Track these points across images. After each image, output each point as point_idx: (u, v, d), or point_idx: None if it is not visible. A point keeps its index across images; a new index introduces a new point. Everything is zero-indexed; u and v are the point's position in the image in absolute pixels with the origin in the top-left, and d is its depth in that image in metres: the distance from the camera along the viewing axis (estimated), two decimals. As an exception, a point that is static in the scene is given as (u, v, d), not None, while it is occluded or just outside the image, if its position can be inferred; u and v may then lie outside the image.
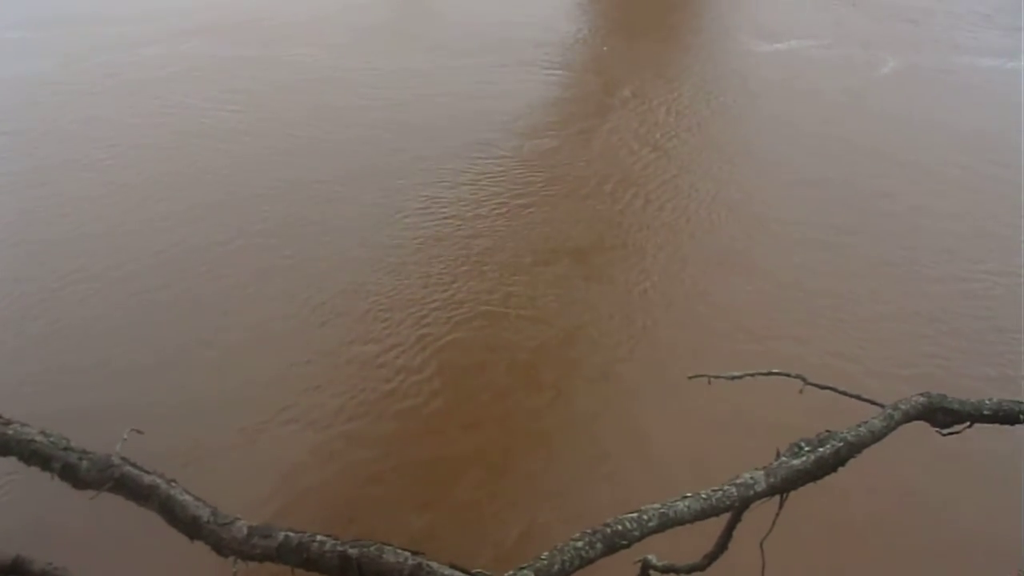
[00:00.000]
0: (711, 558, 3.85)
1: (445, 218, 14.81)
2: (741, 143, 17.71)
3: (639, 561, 3.78)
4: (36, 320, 12.46)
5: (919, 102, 19.37)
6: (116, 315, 12.54)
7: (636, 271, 13.36)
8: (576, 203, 15.20)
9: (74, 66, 21.73)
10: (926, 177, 15.92)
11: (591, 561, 2.67)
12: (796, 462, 3.16)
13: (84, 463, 2.86)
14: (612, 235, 14.39)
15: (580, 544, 2.67)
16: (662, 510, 2.82)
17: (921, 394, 3.60)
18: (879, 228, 14.39)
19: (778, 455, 3.22)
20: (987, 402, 3.68)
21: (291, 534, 2.76)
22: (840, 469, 3.45)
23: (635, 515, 2.78)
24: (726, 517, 3.43)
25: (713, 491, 2.97)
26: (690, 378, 4.10)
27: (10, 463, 2.93)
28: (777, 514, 3.44)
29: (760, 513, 3.30)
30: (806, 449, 3.21)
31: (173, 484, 2.87)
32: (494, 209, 15.02)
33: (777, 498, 3.23)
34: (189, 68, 21.54)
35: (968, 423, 3.76)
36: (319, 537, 2.74)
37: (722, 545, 3.78)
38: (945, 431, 3.78)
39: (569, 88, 20.73)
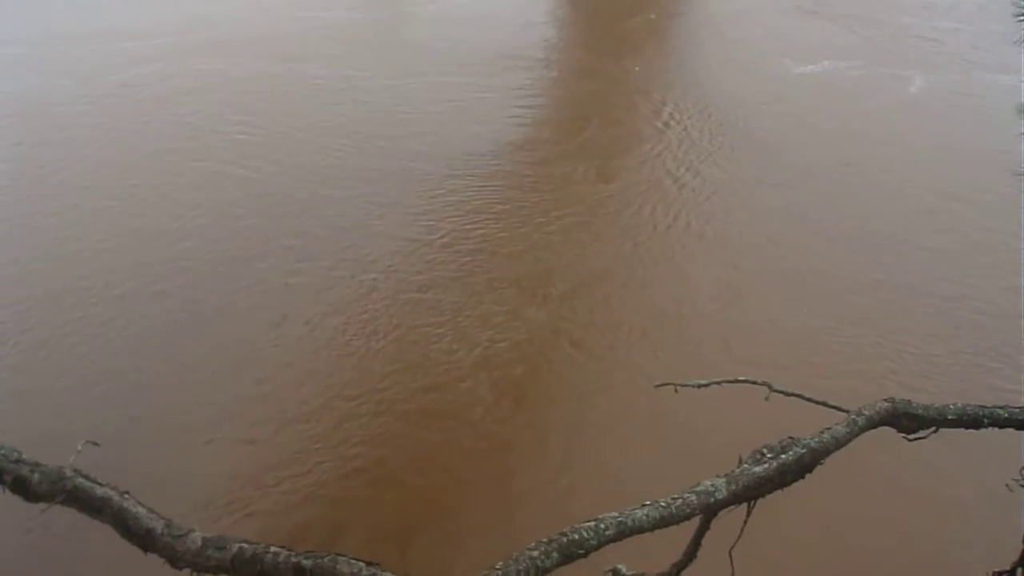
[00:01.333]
0: (679, 567, 3.83)
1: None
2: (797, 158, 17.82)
3: (609, 571, 3.76)
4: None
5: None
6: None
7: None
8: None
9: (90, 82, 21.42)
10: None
11: (548, 571, 2.64)
12: (758, 469, 3.15)
13: (36, 475, 2.82)
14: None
15: (536, 553, 2.64)
16: (620, 519, 2.79)
17: (885, 400, 3.60)
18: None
19: (740, 462, 3.21)
20: (951, 407, 3.68)
21: (245, 546, 2.73)
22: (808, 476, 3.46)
23: (592, 524, 2.75)
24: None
25: (673, 499, 2.94)
26: (657, 386, 4.09)
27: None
28: (745, 522, 3.42)
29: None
30: (768, 456, 3.20)
31: (126, 496, 2.84)
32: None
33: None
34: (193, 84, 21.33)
35: (933, 428, 3.76)
36: (273, 548, 2.71)
37: (691, 554, 3.75)
38: (911, 436, 3.78)
39: (624, 110, 20.69)
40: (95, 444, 3.11)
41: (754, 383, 3.81)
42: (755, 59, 23.62)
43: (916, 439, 3.80)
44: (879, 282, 13.70)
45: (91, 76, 21.50)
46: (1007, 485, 4.13)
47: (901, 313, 13.04)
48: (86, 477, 2.86)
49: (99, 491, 2.83)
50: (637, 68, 23.32)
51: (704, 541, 3.53)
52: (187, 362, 11.94)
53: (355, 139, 18.40)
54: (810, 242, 14.86)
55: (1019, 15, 5.02)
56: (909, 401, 3.61)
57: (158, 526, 2.78)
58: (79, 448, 3.03)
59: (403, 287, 13.54)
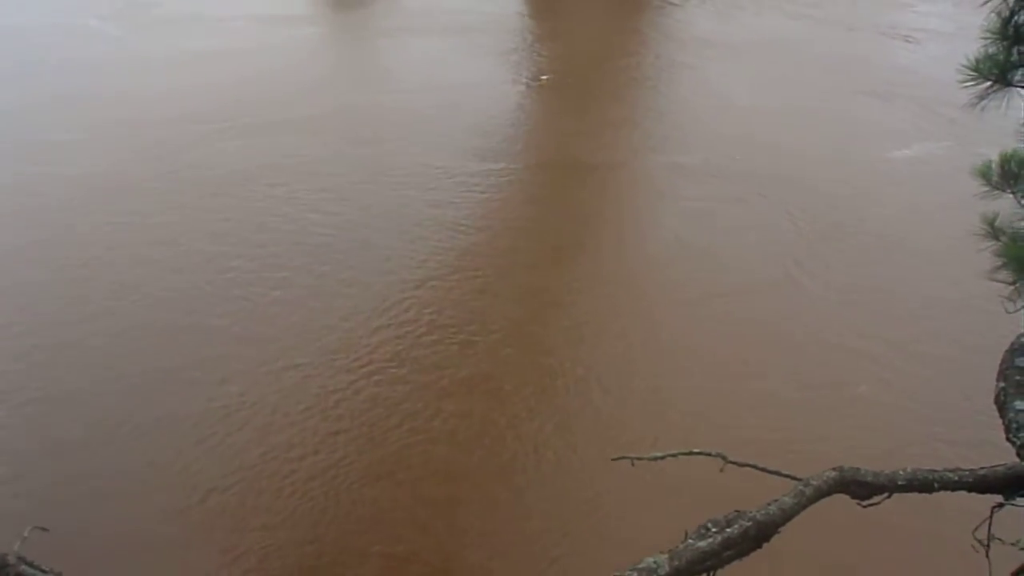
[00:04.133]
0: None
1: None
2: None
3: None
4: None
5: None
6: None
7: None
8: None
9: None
10: None
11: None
12: (703, 544, 3.16)
13: (-22, 565, 2.84)
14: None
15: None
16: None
17: (833, 469, 3.62)
18: None
19: (686, 536, 3.22)
20: (901, 472, 3.71)
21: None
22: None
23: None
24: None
25: (614, 576, 2.95)
26: (613, 460, 4.11)
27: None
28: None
29: None
30: (713, 530, 3.20)
31: (68, 585, 2.85)
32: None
33: None
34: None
35: (886, 494, 3.79)
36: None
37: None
38: (864, 503, 3.80)
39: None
40: (43, 530, 3.12)
41: (708, 455, 3.83)
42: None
43: (870, 504, 3.82)
44: None
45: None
46: (972, 546, 4.14)
47: None
48: (30, 564, 2.88)
49: (42, 580, 2.84)
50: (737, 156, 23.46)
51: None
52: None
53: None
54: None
55: (965, 81, 5.13)
56: (858, 469, 3.64)
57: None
58: (25, 535, 3.05)
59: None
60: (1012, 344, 4.64)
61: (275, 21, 34.69)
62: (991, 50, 5.15)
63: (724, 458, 3.85)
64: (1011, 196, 5.41)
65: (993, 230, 5.48)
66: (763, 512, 3.29)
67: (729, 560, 3.29)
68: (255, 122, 23.37)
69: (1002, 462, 3.93)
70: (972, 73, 5.18)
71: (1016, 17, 4.97)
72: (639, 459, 3.89)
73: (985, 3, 4.97)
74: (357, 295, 15.16)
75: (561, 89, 27.86)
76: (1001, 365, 4.52)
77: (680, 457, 3.86)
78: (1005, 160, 5.42)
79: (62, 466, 11.54)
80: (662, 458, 3.93)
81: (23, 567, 2.87)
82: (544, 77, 28.74)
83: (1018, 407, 4.32)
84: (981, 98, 5.16)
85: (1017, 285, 5.09)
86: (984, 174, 5.50)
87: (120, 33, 33.15)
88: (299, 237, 17.15)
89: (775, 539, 3.39)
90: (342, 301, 14.95)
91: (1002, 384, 4.42)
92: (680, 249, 17.01)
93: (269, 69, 28.08)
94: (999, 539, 3.97)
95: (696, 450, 3.89)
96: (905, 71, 27.22)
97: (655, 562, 3.02)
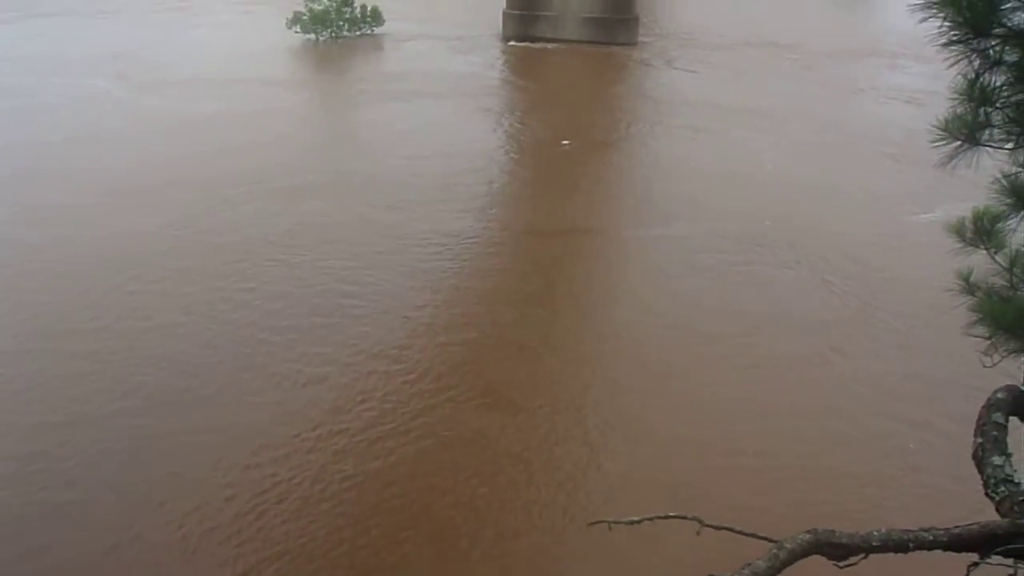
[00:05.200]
0: None
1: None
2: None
3: None
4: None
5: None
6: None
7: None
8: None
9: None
10: None
11: None
12: (675, 609, 3.20)
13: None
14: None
15: None
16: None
17: (808, 531, 3.67)
18: None
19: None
20: (875, 533, 3.75)
21: None
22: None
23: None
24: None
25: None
26: (590, 524, 4.15)
27: None
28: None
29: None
30: (686, 595, 3.25)
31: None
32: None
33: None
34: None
35: (863, 555, 3.82)
36: None
37: None
38: (841, 564, 3.84)
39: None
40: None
41: (685, 518, 3.88)
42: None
43: (847, 566, 3.86)
44: None
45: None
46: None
47: None
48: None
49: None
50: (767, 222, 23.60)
51: None
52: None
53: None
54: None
55: (936, 141, 5.25)
56: (832, 531, 3.69)
57: None
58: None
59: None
60: (988, 399, 4.70)
61: (271, 84, 35.65)
62: (959, 110, 5.30)
63: (701, 521, 3.91)
64: (985, 252, 5.52)
65: (968, 285, 5.58)
66: (736, 576, 3.34)
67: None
68: (269, 187, 23.60)
69: (976, 520, 3.97)
70: (942, 133, 5.32)
71: (981, 79, 5.10)
72: (616, 523, 3.94)
73: (952, 65, 5.10)
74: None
75: (581, 154, 28.25)
76: (978, 421, 4.57)
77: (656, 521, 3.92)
78: (978, 217, 5.53)
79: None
80: (639, 522, 3.98)
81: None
82: (565, 143, 29.12)
83: (996, 462, 4.36)
84: (951, 157, 5.29)
85: (993, 340, 5.18)
86: (958, 231, 5.61)
87: (129, 95, 33.72)
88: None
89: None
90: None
91: (979, 439, 4.47)
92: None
93: (278, 133, 28.68)
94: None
95: (672, 514, 3.95)
96: (914, 134, 27.72)
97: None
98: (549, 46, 44.95)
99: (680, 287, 18.95)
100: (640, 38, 45.98)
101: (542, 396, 14.98)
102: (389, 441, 13.54)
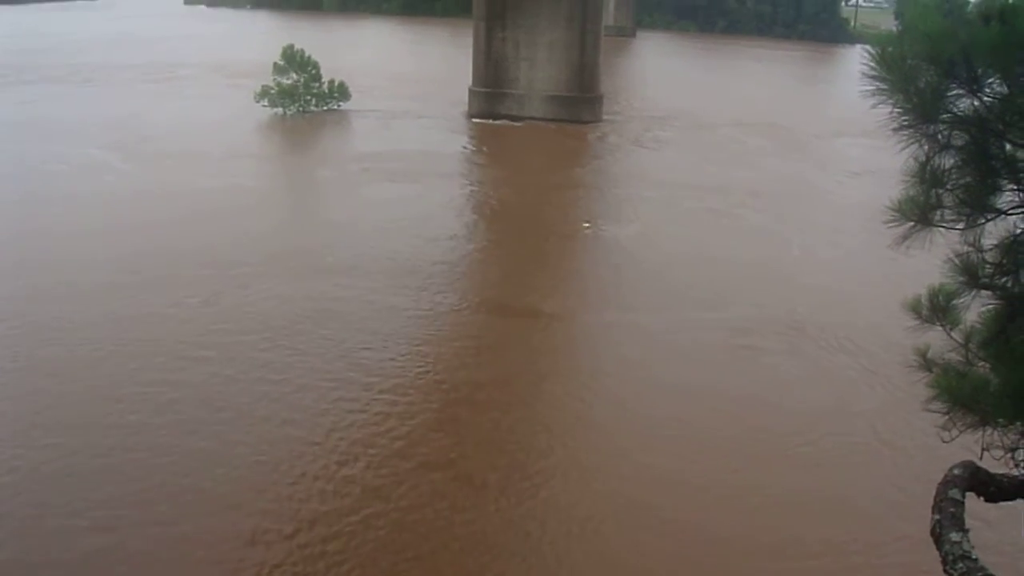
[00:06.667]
0: None
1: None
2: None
3: None
4: None
5: None
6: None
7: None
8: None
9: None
10: None
11: None
12: None
13: None
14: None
15: None
16: None
17: None
18: None
19: None
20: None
21: None
22: None
23: None
24: None
25: None
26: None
27: None
28: None
29: None
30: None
31: None
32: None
33: None
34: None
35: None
36: None
37: None
38: None
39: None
40: None
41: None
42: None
43: None
44: None
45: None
46: None
47: None
48: None
49: None
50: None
51: None
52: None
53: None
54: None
55: (889, 221, 5.38)
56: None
57: None
58: None
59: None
60: (945, 476, 4.75)
61: (262, 160, 35.83)
62: (911, 192, 5.45)
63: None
64: (941, 328, 5.62)
65: (925, 362, 5.67)
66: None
67: None
68: (283, 269, 23.07)
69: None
70: (895, 214, 5.46)
71: (931, 162, 5.27)
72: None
73: (903, 149, 5.27)
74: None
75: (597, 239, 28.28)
76: (936, 497, 4.62)
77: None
78: (933, 294, 5.64)
79: None
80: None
81: None
82: (586, 224, 29.24)
83: (953, 539, 4.40)
84: (905, 237, 5.42)
85: (951, 415, 5.25)
86: (915, 308, 5.71)
87: (126, 167, 33.31)
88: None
89: None
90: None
91: (937, 516, 4.51)
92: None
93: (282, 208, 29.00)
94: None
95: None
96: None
97: None
98: (516, 124, 45.58)
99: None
100: (604, 116, 46.90)
101: None
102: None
